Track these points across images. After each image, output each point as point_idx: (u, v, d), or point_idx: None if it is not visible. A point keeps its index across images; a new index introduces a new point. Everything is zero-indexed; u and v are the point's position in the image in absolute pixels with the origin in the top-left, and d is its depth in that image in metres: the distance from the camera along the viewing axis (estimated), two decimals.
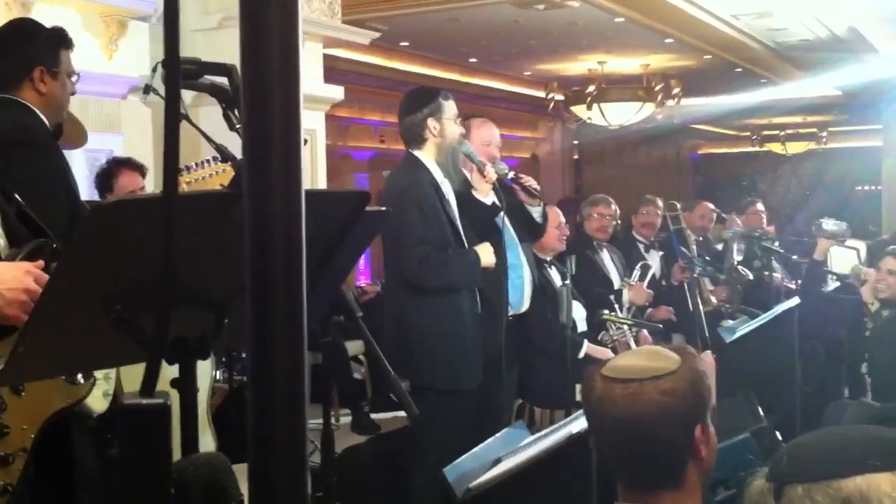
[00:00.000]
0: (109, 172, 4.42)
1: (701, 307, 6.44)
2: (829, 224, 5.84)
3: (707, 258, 7.10)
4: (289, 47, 0.73)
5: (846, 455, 1.43)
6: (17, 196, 2.14)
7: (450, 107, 4.00)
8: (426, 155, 3.95)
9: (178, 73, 0.75)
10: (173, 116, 0.75)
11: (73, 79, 3.19)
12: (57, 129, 3.21)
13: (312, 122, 6.26)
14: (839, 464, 1.42)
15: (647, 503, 1.70)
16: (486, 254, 3.89)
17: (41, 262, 1.90)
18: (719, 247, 7.40)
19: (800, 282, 6.78)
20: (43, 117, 3.09)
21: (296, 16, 0.74)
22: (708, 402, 1.70)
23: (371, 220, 1.93)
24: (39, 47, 3.12)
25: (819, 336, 5.31)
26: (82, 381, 2.20)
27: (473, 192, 4.04)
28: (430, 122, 3.92)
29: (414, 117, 3.96)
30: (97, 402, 2.57)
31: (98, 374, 2.37)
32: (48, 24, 3.31)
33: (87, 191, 5.08)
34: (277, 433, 0.72)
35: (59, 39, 3.18)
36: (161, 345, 0.73)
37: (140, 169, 4.48)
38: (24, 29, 3.23)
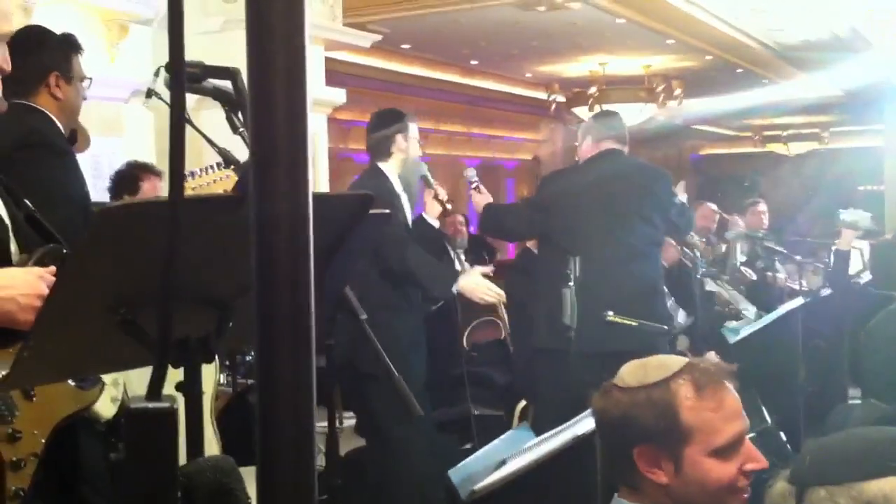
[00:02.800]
0: (134, 177, 4.41)
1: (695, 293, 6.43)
2: (846, 214, 5.83)
3: (710, 258, 7.10)
4: (295, 48, 0.73)
5: (869, 458, 1.42)
6: (26, 201, 2.14)
7: (415, 128, 4.33)
8: (390, 167, 4.25)
9: (183, 75, 0.75)
10: (179, 120, 0.75)
11: (85, 83, 3.23)
12: (72, 134, 3.25)
13: (314, 125, 6.21)
14: (862, 467, 1.41)
15: (619, 492, 1.75)
16: (466, 279, 4.12)
17: (53, 268, 1.90)
18: (723, 248, 7.39)
19: (804, 283, 6.77)
20: (58, 123, 3.13)
21: (302, 17, 0.74)
22: (650, 430, 1.65)
23: (374, 222, 1.93)
24: (53, 53, 3.17)
25: (829, 331, 5.29)
26: (92, 385, 2.21)
27: (423, 215, 4.39)
28: (399, 138, 4.24)
29: (385, 132, 4.28)
30: (105, 407, 2.57)
31: (106, 379, 2.38)
32: (52, 27, 3.33)
33: (92, 194, 5.09)
34: (285, 438, 0.72)
35: (70, 45, 3.23)
36: (165, 349, 0.73)
37: (160, 176, 4.50)
38: (37, 36, 3.27)
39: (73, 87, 3.15)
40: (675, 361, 1.74)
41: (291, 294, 0.73)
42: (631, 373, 1.73)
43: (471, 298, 4.15)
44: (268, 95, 0.73)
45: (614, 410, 1.67)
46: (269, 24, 0.73)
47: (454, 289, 4.09)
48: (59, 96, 3.12)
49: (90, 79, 3.27)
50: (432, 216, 4.40)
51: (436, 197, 4.34)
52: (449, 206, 4.37)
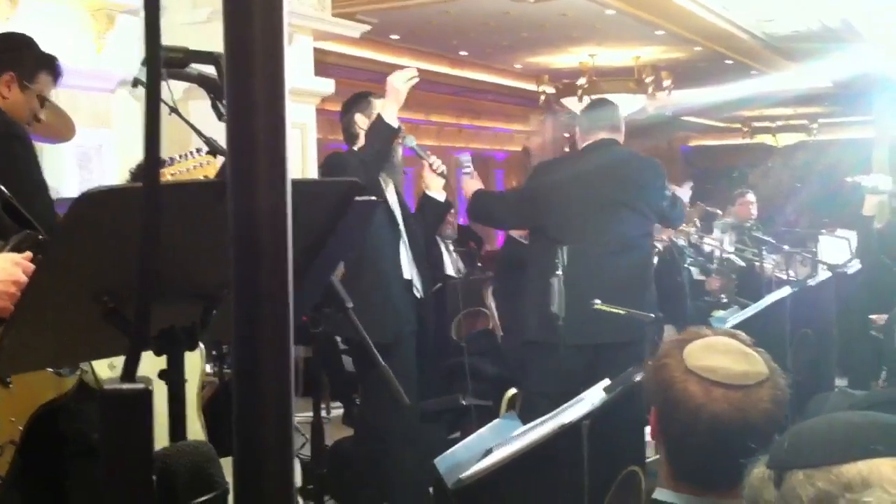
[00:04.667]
0: None
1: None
2: (866, 180, 5.92)
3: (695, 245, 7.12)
4: (272, 28, 0.72)
5: (848, 440, 1.42)
6: (2, 188, 2.12)
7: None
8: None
9: (158, 58, 0.74)
10: (154, 101, 0.74)
11: (42, 104, 3.22)
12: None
13: (303, 116, 6.25)
14: (841, 449, 1.41)
15: (708, 496, 1.70)
16: (385, 101, 3.96)
17: (29, 254, 1.89)
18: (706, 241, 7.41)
19: (791, 273, 6.79)
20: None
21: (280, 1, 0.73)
22: None
23: (362, 209, 1.92)
24: (21, 57, 3.20)
25: (818, 320, 5.30)
26: (70, 373, 2.20)
27: (427, 193, 4.28)
28: (358, 118, 4.17)
29: (347, 117, 4.24)
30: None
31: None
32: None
33: (77, 185, 5.06)
34: (263, 427, 0.71)
35: (45, 62, 3.26)
36: (142, 329, 0.72)
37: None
38: (16, 38, 3.31)
39: (25, 95, 3.15)
40: (740, 344, 1.79)
41: (270, 282, 0.73)
42: (744, 367, 1.72)
43: (399, 92, 3.95)
44: (245, 81, 0.72)
45: (784, 401, 1.70)
46: (246, 9, 0.72)
47: (394, 122, 3.93)
48: (5, 95, 3.13)
49: (48, 100, 3.27)
50: (437, 191, 4.28)
51: (433, 169, 4.23)
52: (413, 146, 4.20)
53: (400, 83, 3.94)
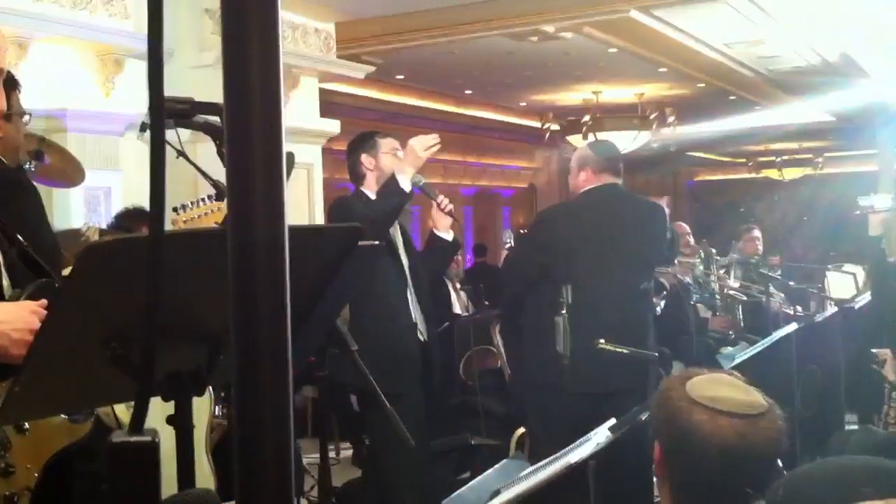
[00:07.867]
0: (126, 230, 4.22)
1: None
2: (863, 200, 5.91)
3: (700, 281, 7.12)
4: (269, 73, 0.73)
5: (841, 484, 1.44)
6: (19, 236, 2.15)
7: (387, 143, 4.24)
8: (368, 188, 4.18)
9: (162, 117, 0.76)
10: (159, 156, 0.76)
11: (25, 118, 3.09)
12: (37, 153, 3.24)
13: (310, 156, 6.30)
14: (834, 493, 1.42)
15: None
16: (404, 160, 3.95)
17: (44, 302, 1.90)
18: (711, 277, 7.41)
19: (798, 308, 6.78)
20: (3, 160, 3.05)
21: (276, 44, 0.74)
22: None
23: (365, 254, 1.95)
24: None
25: (826, 355, 5.29)
26: (85, 419, 2.22)
27: (435, 232, 4.26)
28: (364, 158, 4.20)
29: (353, 157, 4.26)
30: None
31: None
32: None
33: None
34: (263, 468, 0.72)
35: (7, 82, 3.12)
36: (147, 380, 0.73)
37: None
38: None
39: (12, 123, 3.00)
40: (737, 379, 1.86)
41: (269, 324, 0.73)
42: (745, 397, 1.78)
43: (418, 158, 3.93)
44: (243, 122, 0.73)
45: (786, 431, 1.75)
46: (244, 56, 0.73)
47: (407, 186, 3.90)
48: None
49: (30, 114, 3.14)
50: (445, 230, 4.25)
51: (441, 208, 4.19)
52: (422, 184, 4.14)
53: (421, 149, 3.91)
